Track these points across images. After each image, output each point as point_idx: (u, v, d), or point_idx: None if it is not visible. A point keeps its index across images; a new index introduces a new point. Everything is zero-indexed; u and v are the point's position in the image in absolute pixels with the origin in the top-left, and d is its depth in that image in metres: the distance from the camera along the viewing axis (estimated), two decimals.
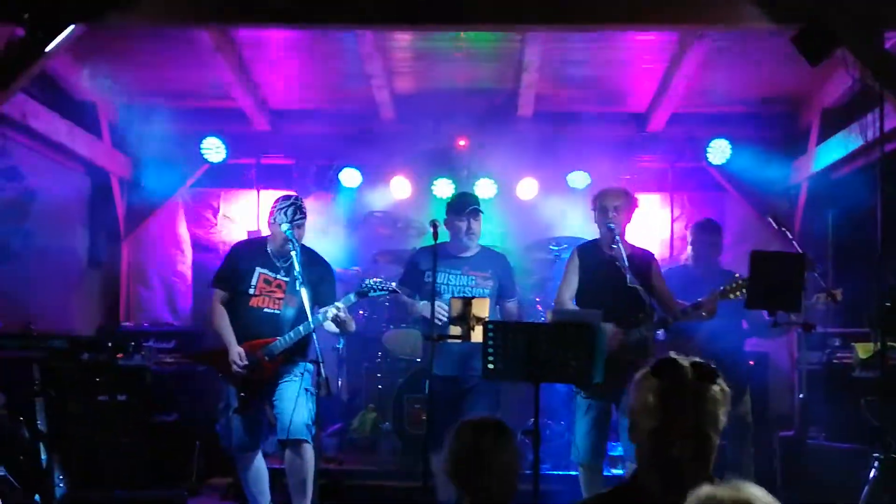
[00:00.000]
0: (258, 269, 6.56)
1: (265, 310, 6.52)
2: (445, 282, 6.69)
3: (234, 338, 6.47)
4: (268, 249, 6.62)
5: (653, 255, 6.85)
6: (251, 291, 6.53)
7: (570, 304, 6.52)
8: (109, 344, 7.24)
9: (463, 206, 6.81)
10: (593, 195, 6.77)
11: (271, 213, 6.56)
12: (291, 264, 6.40)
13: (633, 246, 6.70)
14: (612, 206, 6.55)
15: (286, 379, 6.42)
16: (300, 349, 6.46)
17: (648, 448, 2.91)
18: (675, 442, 2.83)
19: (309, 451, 6.36)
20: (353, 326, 6.74)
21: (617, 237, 6.30)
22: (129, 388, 7.75)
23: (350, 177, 9.69)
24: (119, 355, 7.52)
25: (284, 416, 6.32)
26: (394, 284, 6.60)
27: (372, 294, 6.54)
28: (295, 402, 6.27)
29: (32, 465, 7.01)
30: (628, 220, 6.63)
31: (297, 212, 6.47)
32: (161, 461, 8.16)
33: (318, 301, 6.45)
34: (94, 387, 7.56)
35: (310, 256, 6.64)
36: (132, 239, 10.04)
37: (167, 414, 8.45)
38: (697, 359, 2.96)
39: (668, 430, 2.85)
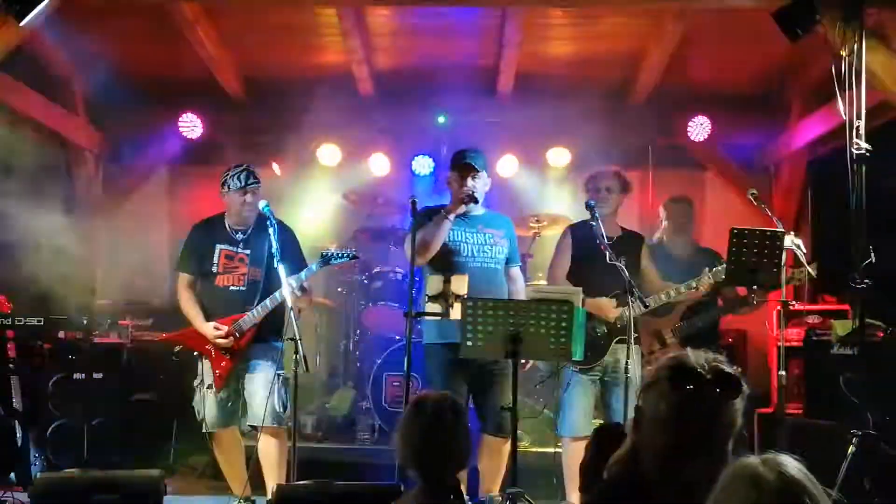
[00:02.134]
0: (218, 246, 6.52)
1: (231, 288, 6.48)
2: (463, 240, 6.38)
3: (200, 315, 6.45)
4: (225, 224, 6.57)
5: (644, 238, 6.85)
6: (214, 270, 6.49)
7: (564, 283, 6.49)
8: (85, 322, 7.18)
9: (457, 161, 6.47)
10: (586, 177, 6.76)
11: (222, 184, 6.49)
12: (250, 234, 6.44)
13: (624, 228, 6.72)
14: (603, 186, 6.60)
15: (258, 361, 6.38)
16: (273, 327, 6.41)
17: (655, 462, 2.59)
18: (688, 462, 2.53)
19: (282, 435, 6.36)
20: (312, 300, 6.82)
21: (596, 215, 6.28)
22: (106, 367, 7.71)
23: (329, 153, 9.64)
24: (95, 333, 7.46)
25: (256, 401, 6.31)
26: (355, 251, 6.54)
27: (334, 262, 6.43)
28: (267, 387, 6.23)
29: (8, 445, 6.98)
30: (620, 202, 6.66)
31: (249, 176, 6.44)
32: (138, 440, 8.14)
33: (286, 267, 6.28)
34: (70, 365, 7.52)
35: (270, 222, 6.48)
36: (109, 215, 9.96)
37: (144, 392, 8.42)
38: (720, 362, 2.59)
39: (681, 448, 2.55)
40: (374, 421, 8.22)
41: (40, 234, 8.57)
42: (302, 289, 6.29)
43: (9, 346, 7.13)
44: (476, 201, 6.29)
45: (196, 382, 6.52)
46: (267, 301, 6.28)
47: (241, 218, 6.48)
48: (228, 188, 6.45)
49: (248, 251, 6.45)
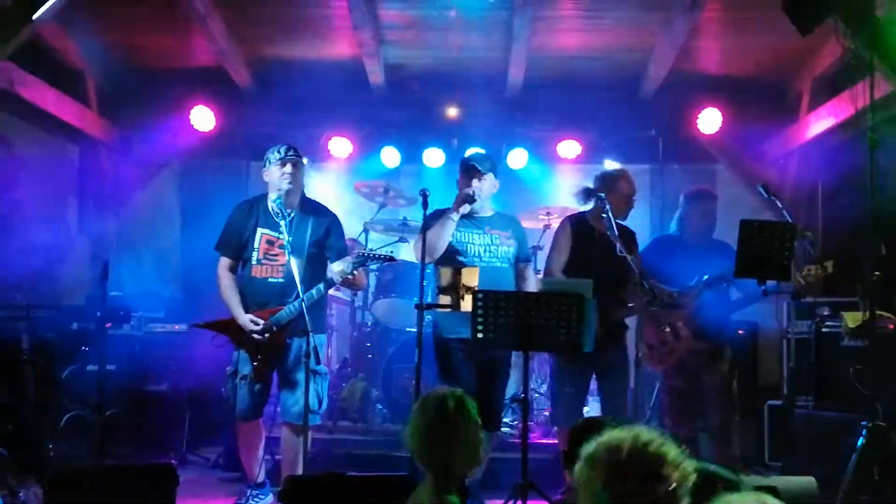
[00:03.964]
0: (259, 230, 6.41)
1: (269, 280, 6.36)
2: (469, 241, 6.42)
3: (240, 305, 6.36)
4: (269, 206, 6.40)
5: (634, 234, 6.86)
6: (254, 259, 6.39)
7: (560, 275, 6.52)
8: (98, 313, 7.20)
9: (463, 164, 6.60)
10: (609, 175, 6.80)
11: (264, 163, 6.40)
12: (294, 219, 6.32)
13: (619, 223, 6.75)
14: (626, 188, 6.68)
15: (294, 356, 6.29)
16: (314, 320, 6.17)
17: None
18: None
19: (308, 432, 6.39)
20: (364, 281, 6.75)
21: (607, 207, 6.29)
22: (119, 358, 7.74)
23: (340, 145, 9.66)
24: (108, 325, 7.49)
25: (290, 398, 6.30)
26: (391, 252, 6.40)
27: (370, 263, 6.37)
28: (302, 384, 6.12)
29: (22, 436, 7.02)
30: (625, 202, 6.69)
31: (290, 149, 6.34)
32: (150, 431, 8.19)
33: (329, 255, 6.34)
34: (83, 356, 7.56)
35: (313, 207, 6.53)
36: (122, 208, 10.00)
37: (157, 383, 8.46)
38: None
39: None
40: (385, 412, 8.25)
41: (53, 226, 8.64)
42: (346, 280, 6.20)
43: (23, 338, 7.18)
44: (472, 201, 6.32)
45: (229, 370, 6.41)
46: (305, 296, 6.02)
47: (284, 196, 6.27)
48: (269, 162, 6.34)
49: (289, 238, 6.20)
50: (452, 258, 6.28)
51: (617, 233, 6.13)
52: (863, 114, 5.96)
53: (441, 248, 6.27)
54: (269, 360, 6.33)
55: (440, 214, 6.32)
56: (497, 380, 6.41)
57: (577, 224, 6.73)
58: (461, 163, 6.64)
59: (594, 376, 6.64)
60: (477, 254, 6.40)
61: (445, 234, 6.25)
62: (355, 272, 6.17)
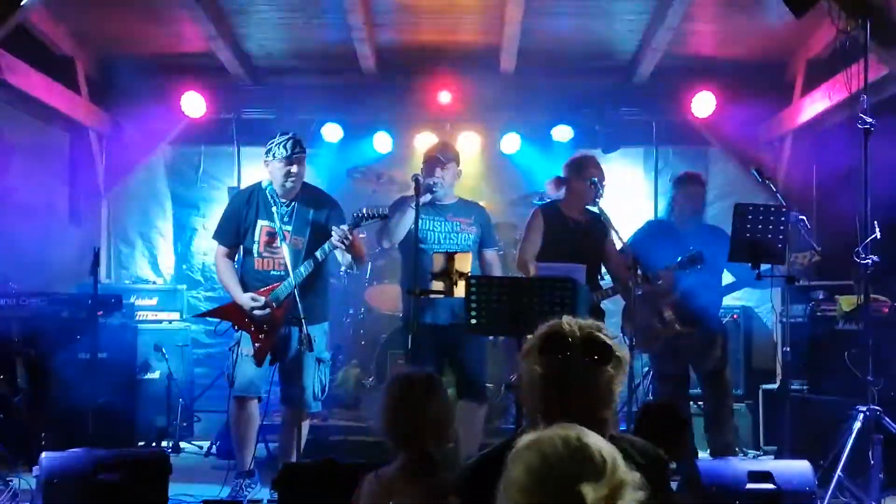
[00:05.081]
0: (260, 222, 6.38)
1: (272, 272, 6.35)
2: (431, 228, 6.61)
3: (239, 286, 6.35)
4: (267, 196, 6.37)
5: (608, 222, 6.86)
6: (256, 249, 6.38)
7: (534, 263, 6.56)
8: (90, 301, 7.18)
9: (427, 154, 6.90)
10: (576, 161, 6.85)
11: (267, 152, 6.34)
12: (294, 207, 6.34)
13: (589, 210, 6.80)
14: (595, 173, 6.72)
15: (296, 343, 6.23)
16: (315, 308, 6.33)
17: (532, 428, 2.49)
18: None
19: (306, 419, 6.47)
20: (364, 249, 6.76)
21: (601, 191, 6.36)
22: (110, 347, 7.71)
23: (332, 131, 9.62)
24: (99, 313, 7.46)
25: (290, 383, 6.32)
26: (384, 209, 6.40)
27: (365, 223, 6.30)
28: (305, 371, 6.25)
29: (14, 425, 7.00)
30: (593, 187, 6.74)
31: (296, 145, 6.29)
32: (143, 419, 8.17)
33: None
34: (75, 345, 7.53)
35: (314, 195, 6.53)
36: (112, 195, 9.95)
37: (149, 372, 8.44)
38: (595, 330, 2.66)
39: (552, 414, 2.56)
40: (377, 398, 8.22)
41: (44, 213, 8.59)
42: (344, 242, 6.12)
43: (13, 326, 7.15)
44: (433, 191, 6.54)
45: (232, 345, 6.40)
46: (301, 268, 6.17)
47: (284, 190, 6.31)
48: (273, 156, 6.28)
49: (289, 227, 6.27)
50: (414, 244, 6.34)
51: (574, 223, 6.28)
52: (857, 96, 5.93)
53: (400, 233, 6.58)
54: (270, 342, 6.32)
55: (402, 202, 6.60)
56: (464, 352, 6.57)
57: (548, 212, 6.87)
58: (424, 154, 6.99)
59: None
60: (437, 240, 6.62)
61: (405, 221, 6.50)
62: (353, 233, 6.14)
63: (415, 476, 3.65)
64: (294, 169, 6.30)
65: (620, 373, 2.65)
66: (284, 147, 6.27)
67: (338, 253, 6.30)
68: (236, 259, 6.56)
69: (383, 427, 3.77)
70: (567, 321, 2.67)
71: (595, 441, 2.00)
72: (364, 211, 6.24)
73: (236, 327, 6.39)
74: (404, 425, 3.69)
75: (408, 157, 9.71)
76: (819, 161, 9.04)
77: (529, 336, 2.75)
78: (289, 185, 6.31)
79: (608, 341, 2.65)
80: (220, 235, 6.58)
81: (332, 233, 6.13)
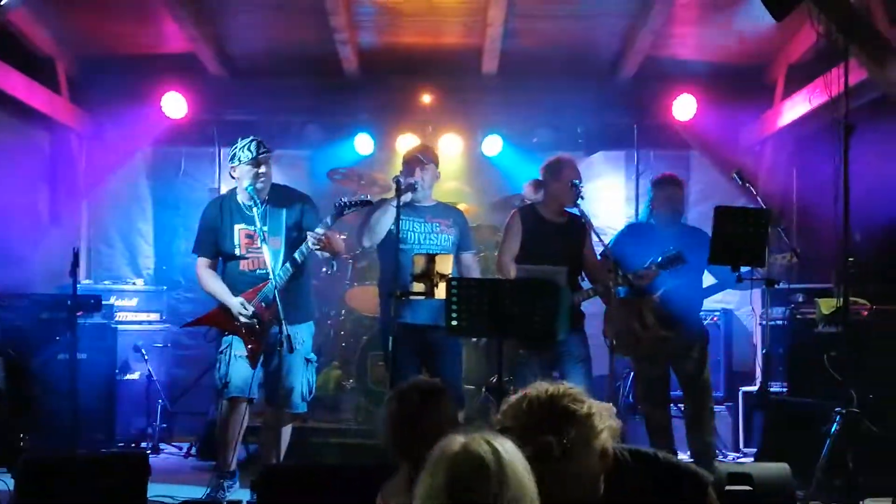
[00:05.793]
0: (236, 227, 6.40)
1: (258, 272, 6.35)
2: (410, 228, 6.61)
3: (227, 290, 6.35)
4: (239, 202, 6.42)
5: (587, 224, 6.86)
6: (238, 252, 6.39)
7: (513, 266, 6.55)
8: (69, 302, 7.14)
9: (407, 155, 6.91)
10: (553, 164, 6.83)
11: (231, 158, 6.37)
12: (266, 208, 6.32)
13: (569, 212, 6.80)
14: (573, 175, 6.70)
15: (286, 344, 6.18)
16: (299, 308, 6.38)
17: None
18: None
19: (294, 419, 6.52)
20: (341, 246, 6.82)
21: (582, 192, 6.39)
22: (90, 347, 7.69)
23: (313, 133, 9.60)
24: (79, 314, 7.43)
25: (276, 383, 6.27)
26: (366, 196, 6.52)
27: (347, 211, 6.35)
28: (293, 371, 6.29)
29: None
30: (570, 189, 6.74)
31: (260, 146, 6.31)
32: (123, 421, 8.14)
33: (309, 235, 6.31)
34: (54, 346, 7.50)
35: (284, 193, 6.54)
36: (93, 196, 9.91)
37: (129, 373, 8.41)
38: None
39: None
40: (358, 401, 8.21)
41: (24, 214, 8.55)
42: (320, 243, 6.16)
43: None
44: (414, 190, 6.55)
45: (222, 348, 6.38)
46: (280, 272, 6.19)
47: (255, 191, 6.27)
48: (239, 161, 6.30)
49: (265, 227, 6.24)
50: (394, 245, 6.35)
51: (552, 227, 6.31)
52: (837, 100, 5.95)
53: (381, 232, 6.57)
54: (262, 343, 6.33)
55: (383, 202, 6.64)
56: (441, 356, 6.59)
57: (525, 214, 6.85)
58: (404, 155, 6.98)
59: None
60: (417, 241, 6.63)
61: (385, 220, 6.52)
62: (328, 234, 6.19)
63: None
64: (262, 169, 6.32)
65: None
66: (249, 149, 6.30)
67: (316, 251, 6.31)
68: (218, 268, 6.55)
69: (384, 440, 3.81)
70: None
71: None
72: (345, 200, 6.35)
73: (226, 332, 6.39)
74: (404, 439, 3.70)
75: (389, 159, 9.71)
76: (799, 164, 9.08)
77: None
78: (259, 185, 6.30)
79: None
80: (199, 248, 6.57)
81: (308, 237, 6.15)
